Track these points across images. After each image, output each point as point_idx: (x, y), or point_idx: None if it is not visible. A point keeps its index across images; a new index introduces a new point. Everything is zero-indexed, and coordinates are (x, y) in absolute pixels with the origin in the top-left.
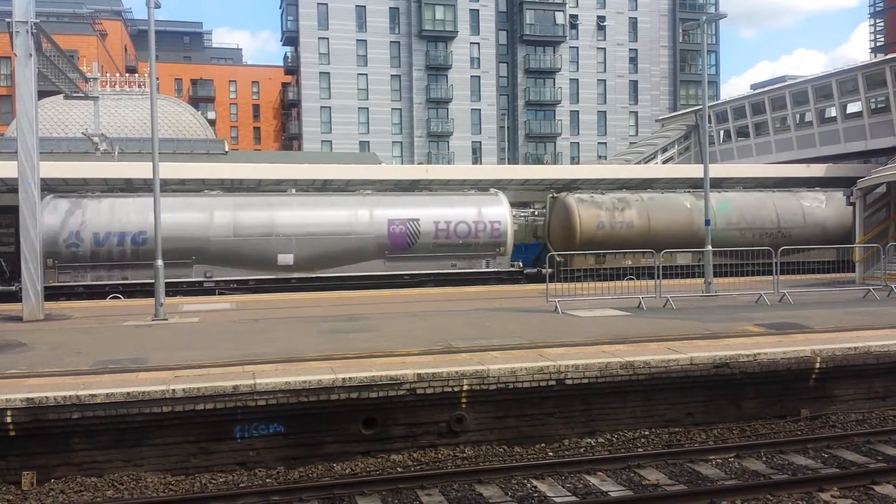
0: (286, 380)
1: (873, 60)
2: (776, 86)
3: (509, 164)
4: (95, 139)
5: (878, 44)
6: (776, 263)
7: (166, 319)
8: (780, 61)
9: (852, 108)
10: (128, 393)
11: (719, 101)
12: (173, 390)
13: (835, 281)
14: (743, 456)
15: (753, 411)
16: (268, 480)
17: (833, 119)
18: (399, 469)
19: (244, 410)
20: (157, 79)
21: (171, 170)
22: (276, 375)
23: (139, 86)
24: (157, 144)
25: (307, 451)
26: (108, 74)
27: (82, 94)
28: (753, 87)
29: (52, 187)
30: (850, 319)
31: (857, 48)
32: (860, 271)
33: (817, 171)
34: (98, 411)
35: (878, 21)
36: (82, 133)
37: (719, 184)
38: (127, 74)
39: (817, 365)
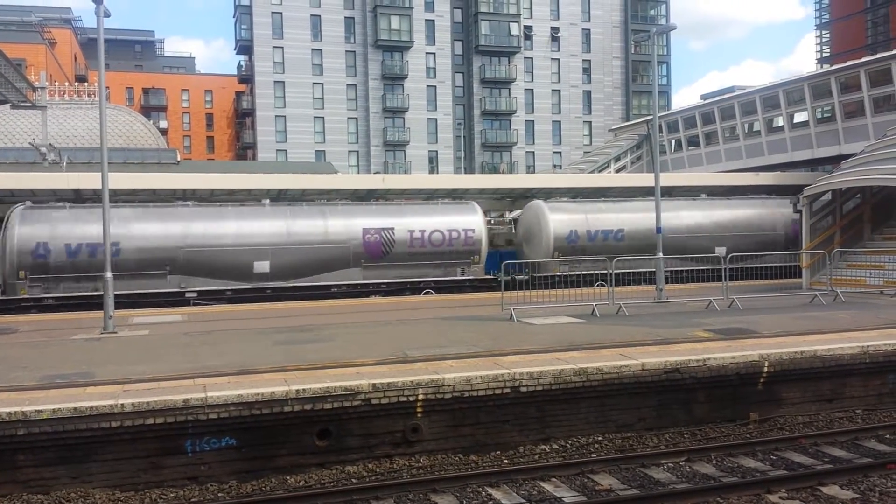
0: (238, 392)
1: (819, 71)
2: (725, 96)
3: (466, 172)
4: (43, 149)
5: (825, 55)
6: (725, 270)
7: (115, 332)
8: (728, 72)
9: (799, 117)
10: (75, 408)
11: (670, 112)
12: (122, 405)
13: (783, 286)
14: (694, 459)
15: (704, 415)
16: (220, 495)
17: (780, 128)
18: (354, 480)
19: (195, 424)
20: (108, 88)
21: (122, 180)
22: (228, 388)
23: (89, 95)
24: (105, 154)
25: (260, 464)
26: (56, 83)
27: (30, 104)
28: (703, 97)
29: None
30: (798, 324)
31: (803, 59)
32: (807, 277)
33: (765, 179)
34: (44, 427)
35: (823, 32)
36: (29, 143)
37: (670, 192)
38: (77, 83)
39: (765, 369)
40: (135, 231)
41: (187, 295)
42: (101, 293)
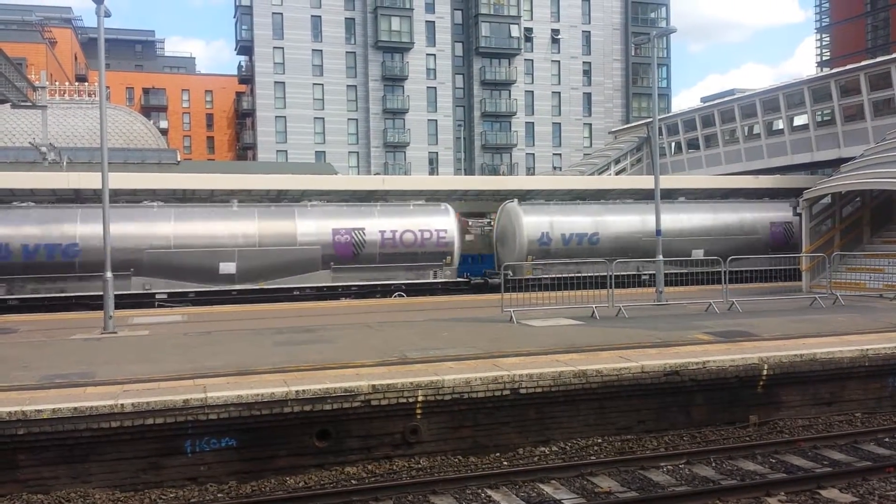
0: (238, 393)
1: (819, 74)
2: (725, 99)
3: (466, 174)
4: (43, 149)
5: (825, 58)
6: (725, 273)
7: (115, 332)
8: (729, 75)
9: (799, 120)
10: (75, 408)
11: (670, 114)
12: (122, 405)
13: (782, 289)
14: (693, 462)
15: (703, 418)
16: (219, 495)
17: (780, 131)
18: (353, 481)
19: (195, 424)
20: (108, 88)
21: (122, 180)
22: (228, 389)
23: (89, 94)
24: (106, 154)
25: (260, 464)
26: (57, 83)
27: (30, 103)
28: (703, 100)
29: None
30: (797, 327)
31: (802, 62)
32: (807, 280)
33: (765, 182)
34: (44, 427)
35: (824, 36)
36: (30, 143)
37: (670, 195)
38: (77, 83)
39: (765, 372)
40: (609, 223)
41: (642, 277)
42: (586, 275)
